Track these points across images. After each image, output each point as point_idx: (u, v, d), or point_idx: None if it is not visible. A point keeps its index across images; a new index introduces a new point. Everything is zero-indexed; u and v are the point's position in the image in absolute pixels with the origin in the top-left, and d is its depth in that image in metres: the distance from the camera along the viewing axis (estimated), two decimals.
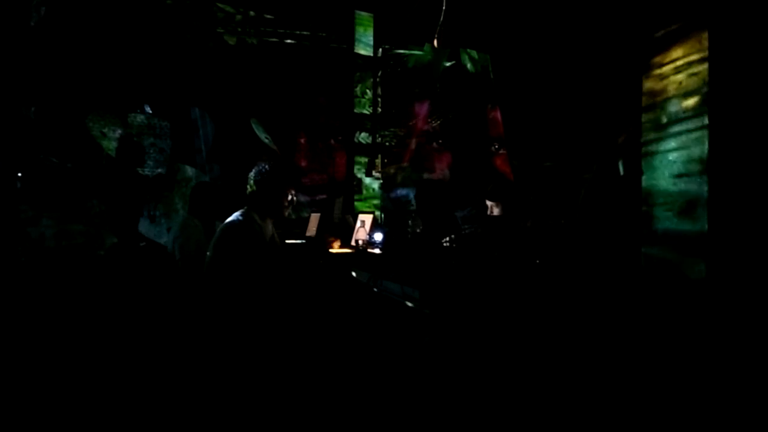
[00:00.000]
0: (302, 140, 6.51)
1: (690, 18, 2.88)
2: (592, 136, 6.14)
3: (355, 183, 6.41)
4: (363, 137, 6.50)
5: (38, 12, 4.99)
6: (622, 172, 4.46)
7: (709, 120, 2.75)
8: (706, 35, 2.78)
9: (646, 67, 3.19)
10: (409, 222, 4.06)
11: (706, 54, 2.78)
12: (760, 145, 2.71)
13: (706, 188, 2.74)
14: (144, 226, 5.35)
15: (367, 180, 6.45)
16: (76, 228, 5.11)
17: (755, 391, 2.20)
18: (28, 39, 4.91)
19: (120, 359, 3.05)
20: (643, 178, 3.19)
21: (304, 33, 6.29)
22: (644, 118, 3.21)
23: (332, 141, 6.63)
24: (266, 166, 2.64)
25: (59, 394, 2.66)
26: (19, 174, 4.63)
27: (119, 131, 5.32)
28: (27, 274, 4.63)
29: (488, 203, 3.78)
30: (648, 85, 3.19)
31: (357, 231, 3.99)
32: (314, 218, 4.63)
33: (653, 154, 3.13)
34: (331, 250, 3.81)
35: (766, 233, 2.65)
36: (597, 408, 2.23)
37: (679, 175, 2.92)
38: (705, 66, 2.78)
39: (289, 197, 2.69)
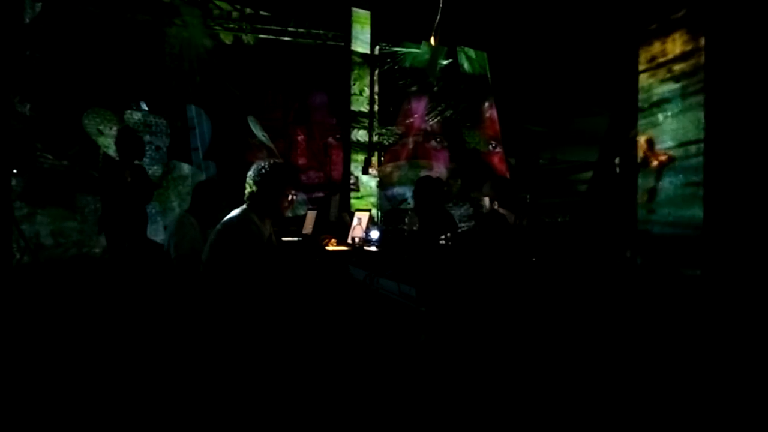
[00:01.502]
0: (299, 138, 6.50)
1: (686, 9, 2.88)
2: (591, 133, 6.15)
3: (352, 182, 6.41)
4: (360, 135, 6.50)
5: (33, 9, 4.97)
6: (617, 169, 4.47)
7: (705, 115, 2.75)
8: (702, 28, 2.78)
9: (642, 61, 3.19)
10: (406, 220, 4.05)
11: (702, 45, 2.78)
12: (757, 136, 2.72)
13: (701, 185, 2.74)
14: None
15: (365, 178, 6.44)
16: (71, 226, 5.10)
17: (753, 387, 2.20)
18: (23, 36, 4.88)
19: (115, 359, 3.04)
20: (639, 173, 3.19)
21: (301, 30, 6.28)
22: (640, 114, 3.21)
23: (331, 139, 6.61)
24: (266, 166, 2.58)
25: (52, 393, 2.65)
26: (15, 171, 4.60)
27: (115, 128, 5.30)
28: (22, 273, 4.61)
29: (486, 200, 3.78)
30: (644, 78, 3.19)
31: (353, 229, 3.99)
32: (311, 216, 4.62)
33: (648, 138, 3.13)
34: (327, 248, 3.80)
35: (761, 225, 2.65)
36: (593, 404, 2.23)
37: (675, 171, 2.92)
38: (701, 58, 2.79)
39: (289, 197, 2.64)
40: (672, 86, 2.95)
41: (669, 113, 2.97)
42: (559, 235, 4.05)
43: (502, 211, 3.67)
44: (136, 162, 4.24)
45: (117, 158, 4.28)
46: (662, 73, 3.04)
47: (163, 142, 5.65)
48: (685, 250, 2.81)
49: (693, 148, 2.81)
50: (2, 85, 4.69)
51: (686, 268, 2.80)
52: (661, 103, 3.04)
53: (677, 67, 2.93)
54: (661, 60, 3.05)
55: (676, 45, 2.94)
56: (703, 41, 2.81)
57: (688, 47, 2.86)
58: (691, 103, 2.83)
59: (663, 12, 3.02)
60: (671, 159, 2.94)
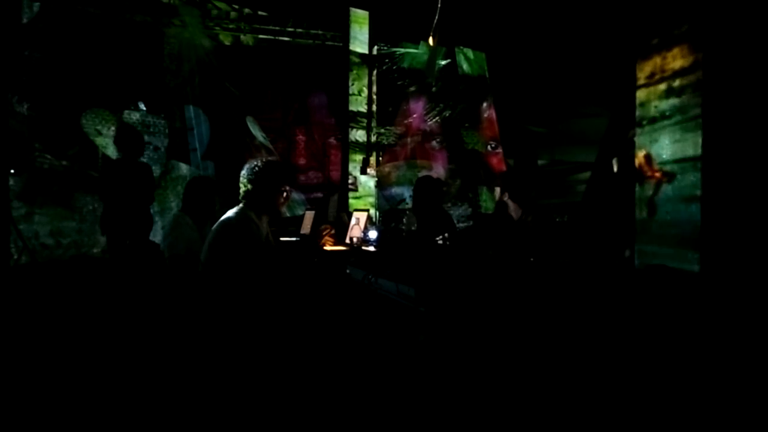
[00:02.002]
0: (299, 138, 6.50)
1: (686, 23, 2.89)
2: (590, 134, 6.15)
3: (351, 182, 6.41)
4: (359, 135, 6.50)
5: (31, 9, 4.96)
6: (615, 170, 4.47)
7: (702, 120, 2.76)
8: (701, 40, 2.79)
9: (641, 76, 3.19)
10: (404, 220, 4.06)
11: (701, 58, 2.79)
12: (753, 144, 2.73)
13: (699, 187, 2.75)
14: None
15: (363, 178, 6.44)
16: (70, 226, 5.09)
17: (751, 386, 2.21)
18: (21, 36, 4.88)
19: (112, 360, 3.04)
20: (637, 186, 3.20)
21: (300, 31, 6.27)
22: (638, 128, 3.22)
23: (332, 139, 6.60)
24: (259, 164, 2.61)
25: (49, 393, 2.65)
26: (12, 171, 4.59)
27: (114, 128, 5.30)
28: (20, 273, 4.60)
29: (497, 191, 3.80)
30: (643, 93, 3.19)
31: (351, 229, 3.99)
32: (309, 216, 4.62)
33: (647, 151, 3.13)
34: (325, 248, 3.80)
35: (757, 229, 2.66)
36: (592, 403, 2.24)
37: (673, 173, 2.93)
38: (699, 71, 2.80)
39: (284, 194, 2.66)
40: (671, 102, 2.95)
41: (667, 129, 2.97)
42: (558, 235, 4.06)
43: (510, 203, 3.68)
44: (142, 160, 4.22)
45: (117, 156, 4.26)
46: (662, 88, 3.03)
47: (161, 143, 5.65)
48: (683, 249, 2.82)
49: (690, 164, 2.81)
50: (1, 84, 4.68)
51: (685, 267, 2.81)
52: (659, 118, 3.04)
53: (677, 83, 2.93)
54: (660, 75, 3.05)
55: (676, 60, 2.94)
56: (684, 60, 2.83)
57: (689, 62, 2.86)
58: (691, 118, 2.83)
59: (665, 27, 3.02)
60: (668, 174, 2.94)
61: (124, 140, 4.12)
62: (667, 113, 2.96)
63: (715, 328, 2.54)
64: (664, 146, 2.98)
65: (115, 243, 4.11)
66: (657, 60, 3.06)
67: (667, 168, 2.94)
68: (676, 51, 2.93)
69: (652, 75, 3.09)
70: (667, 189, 2.95)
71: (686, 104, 2.84)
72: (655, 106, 3.05)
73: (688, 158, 2.82)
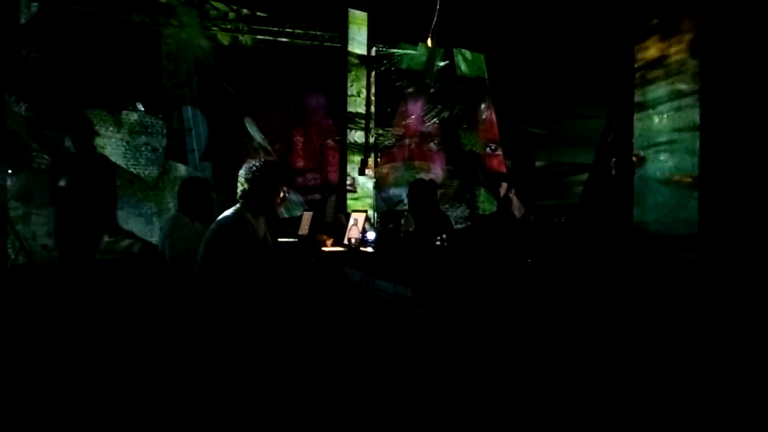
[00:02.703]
0: (296, 139, 6.49)
1: (680, 12, 2.89)
2: (588, 135, 6.16)
3: (349, 183, 6.41)
4: (357, 136, 6.50)
5: (29, 9, 4.96)
6: (614, 172, 4.48)
7: (700, 117, 2.76)
8: (696, 29, 2.80)
9: (637, 64, 3.21)
10: (402, 221, 4.06)
11: (697, 49, 2.80)
12: (753, 141, 2.73)
13: (696, 188, 2.75)
14: (135, 225, 5.34)
15: (361, 179, 6.44)
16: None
17: (749, 384, 2.21)
18: (19, 36, 4.87)
19: (111, 360, 3.03)
20: (635, 176, 3.20)
21: (298, 32, 6.28)
22: (636, 116, 3.22)
23: (331, 140, 6.59)
24: (257, 164, 2.62)
25: (45, 393, 2.64)
26: (10, 171, 4.58)
27: (111, 129, 5.29)
28: (17, 274, 4.59)
29: (503, 186, 3.82)
30: (639, 81, 3.20)
31: (350, 230, 3.99)
32: (307, 217, 4.62)
33: (645, 151, 3.14)
34: (323, 249, 3.79)
35: (757, 230, 2.66)
36: (590, 404, 2.24)
37: (670, 173, 2.93)
38: (695, 61, 2.80)
39: (282, 194, 2.67)
40: (667, 90, 2.96)
41: (664, 116, 2.99)
42: (556, 236, 4.06)
43: (515, 200, 3.70)
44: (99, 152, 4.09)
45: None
46: (657, 76, 3.06)
47: (159, 144, 5.64)
48: (679, 249, 2.82)
49: (688, 157, 2.83)
50: None
51: (682, 268, 2.81)
52: (655, 105, 3.06)
53: (673, 72, 2.95)
54: (641, 63, 3.10)
55: (654, 50, 2.99)
56: (678, 47, 2.85)
57: (662, 53, 2.92)
58: (688, 107, 2.84)
59: (644, 17, 3.07)
60: (665, 167, 2.96)
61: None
62: (663, 102, 2.98)
63: (711, 329, 2.54)
64: (659, 135, 2.99)
65: (62, 247, 3.95)
66: (652, 52, 3.09)
67: (663, 159, 2.95)
68: (673, 42, 2.95)
69: (647, 63, 3.12)
70: (664, 186, 2.96)
71: (685, 102, 2.85)
72: (651, 97, 3.07)
73: (685, 150, 2.82)
